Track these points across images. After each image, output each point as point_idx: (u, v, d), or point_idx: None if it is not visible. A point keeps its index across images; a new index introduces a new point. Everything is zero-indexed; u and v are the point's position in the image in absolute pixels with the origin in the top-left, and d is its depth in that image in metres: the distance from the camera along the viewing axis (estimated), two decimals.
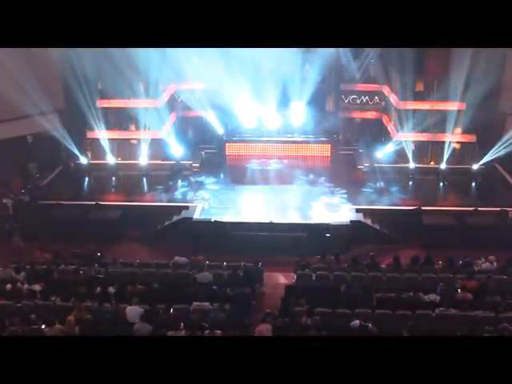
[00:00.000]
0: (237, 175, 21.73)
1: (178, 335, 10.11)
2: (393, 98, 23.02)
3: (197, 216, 18.35)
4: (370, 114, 24.81)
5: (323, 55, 22.94)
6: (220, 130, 24.06)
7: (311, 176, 21.32)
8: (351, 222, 17.75)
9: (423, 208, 18.43)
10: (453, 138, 21.83)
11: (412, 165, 21.93)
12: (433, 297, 12.22)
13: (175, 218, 18.43)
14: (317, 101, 23.90)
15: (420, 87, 22.41)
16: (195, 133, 24.83)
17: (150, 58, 20.87)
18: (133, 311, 11.21)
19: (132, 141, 22.92)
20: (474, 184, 21.40)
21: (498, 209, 18.27)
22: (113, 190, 21.51)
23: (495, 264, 14.40)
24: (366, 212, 18.51)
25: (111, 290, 12.55)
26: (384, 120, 24.11)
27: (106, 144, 22.47)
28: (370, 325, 10.67)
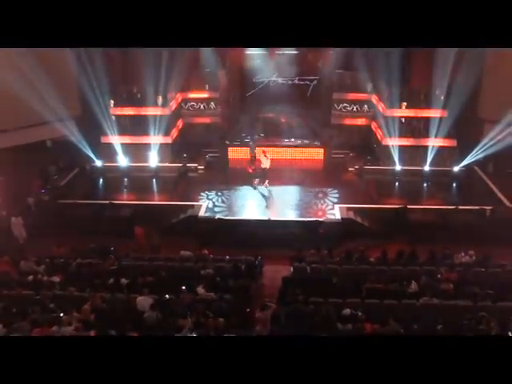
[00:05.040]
0: (238, 177, 21.73)
1: (184, 324, 10.13)
2: (381, 106, 23.04)
3: (202, 214, 18.38)
4: (360, 121, 24.81)
5: (318, 66, 23.03)
6: (223, 135, 24.08)
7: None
8: (342, 219, 17.80)
9: (409, 206, 18.47)
10: (435, 142, 21.85)
11: (398, 167, 21.95)
12: (416, 288, 12.24)
13: (182, 215, 18.45)
14: (312, 108, 23.93)
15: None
16: (200, 138, 24.81)
17: (159, 68, 20.96)
18: (143, 301, 11.22)
19: (142, 145, 22.95)
20: (454, 185, 21.45)
21: (477, 207, 18.31)
22: (125, 190, 21.52)
23: (474, 258, 14.44)
24: (356, 210, 18.54)
25: (123, 281, 12.56)
26: (373, 126, 24.13)
27: (118, 148, 22.51)
28: (359, 313, 10.70)
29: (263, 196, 19.93)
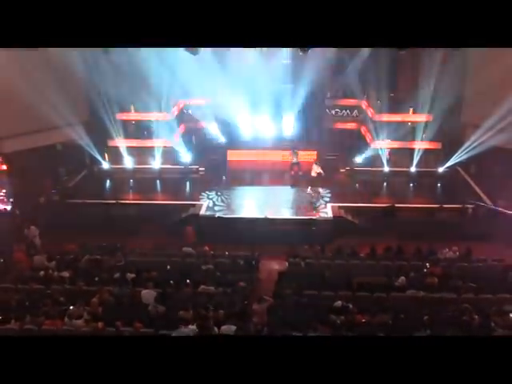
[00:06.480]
0: (237, 178, 21.74)
1: (186, 316, 10.12)
2: (370, 111, 23.08)
3: (203, 212, 18.36)
4: (351, 125, 24.81)
5: (310, 74, 23.01)
6: (222, 139, 24.09)
7: (301, 173, 21.31)
8: (334, 217, 17.80)
9: (396, 205, 18.48)
10: (421, 145, 21.91)
11: (386, 168, 21.97)
12: (403, 281, 12.25)
13: (184, 214, 18.43)
14: (305, 113, 23.95)
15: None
16: (201, 141, 24.81)
17: (161, 76, 20.96)
18: (147, 294, 11.21)
19: (147, 148, 22.96)
20: (439, 185, 21.49)
21: (460, 206, 18.34)
22: (130, 190, 21.54)
23: (457, 253, 14.47)
24: (347, 209, 18.55)
25: (129, 275, 12.55)
26: (362, 130, 24.14)
27: (124, 151, 22.52)
28: (350, 305, 10.71)
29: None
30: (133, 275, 12.55)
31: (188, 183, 21.64)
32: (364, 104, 23.77)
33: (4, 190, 19.14)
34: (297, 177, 21.14)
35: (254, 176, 21.88)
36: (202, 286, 11.90)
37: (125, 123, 22.88)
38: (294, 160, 21.54)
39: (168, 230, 17.26)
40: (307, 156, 23.32)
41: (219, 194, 20.40)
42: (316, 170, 20.54)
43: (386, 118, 22.40)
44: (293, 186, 20.77)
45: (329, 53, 21.13)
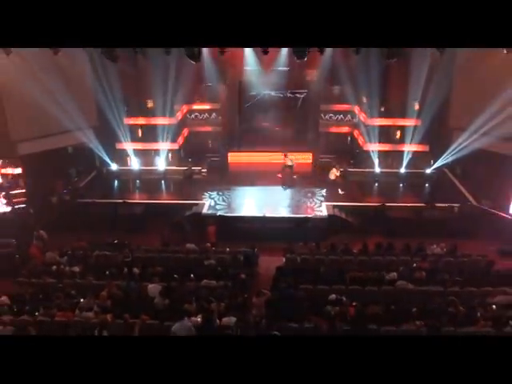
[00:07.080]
0: (237, 178, 21.77)
1: (190, 308, 10.16)
2: (362, 116, 23.12)
3: (205, 211, 18.39)
4: (344, 129, 24.86)
5: (306, 80, 23.05)
6: (223, 141, 24.12)
7: (295, 176, 21.33)
8: (328, 215, 17.82)
9: (387, 204, 18.53)
10: (410, 147, 21.94)
11: (377, 169, 22.02)
12: (393, 275, 12.30)
13: (187, 212, 18.46)
14: (302, 117, 23.98)
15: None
16: (203, 144, 24.84)
17: (167, 82, 21.01)
18: (153, 288, 11.25)
19: (152, 151, 22.99)
20: (427, 185, 21.54)
21: (446, 205, 18.39)
22: (137, 190, 21.57)
23: (444, 249, 14.52)
24: (340, 207, 18.59)
25: (136, 270, 12.59)
26: (355, 133, 24.18)
27: (131, 153, 22.55)
28: (344, 298, 10.76)
29: None
30: (139, 270, 12.60)
31: (191, 184, 21.64)
32: (357, 109, 23.82)
33: (20, 190, 19.17)
34: (286, 179, 20.99)
35: (253, 177, 21.90)
36: (205, 280, 11.93)
37: (132, 127, 22.91)
38: (289, 163, 21.51)
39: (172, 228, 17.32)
40: (303, 158, 23.38)
41: (220, 193, 20.42)
42: (335, 172, 20.79)
43: (378, 122, 22.43)
44: (284, 186, 20.66)
45: (324, 60, 21.13)
